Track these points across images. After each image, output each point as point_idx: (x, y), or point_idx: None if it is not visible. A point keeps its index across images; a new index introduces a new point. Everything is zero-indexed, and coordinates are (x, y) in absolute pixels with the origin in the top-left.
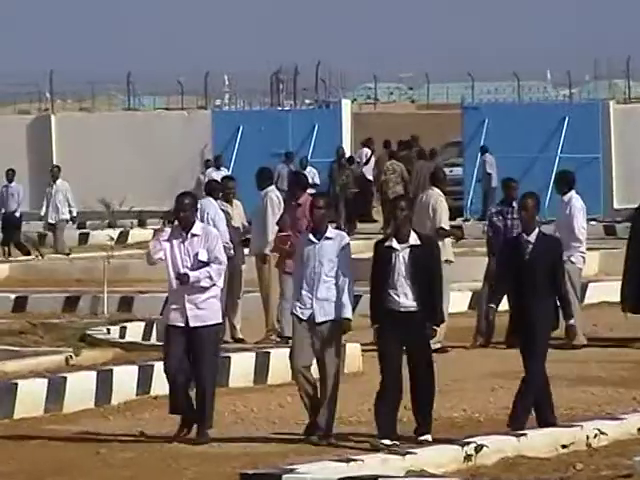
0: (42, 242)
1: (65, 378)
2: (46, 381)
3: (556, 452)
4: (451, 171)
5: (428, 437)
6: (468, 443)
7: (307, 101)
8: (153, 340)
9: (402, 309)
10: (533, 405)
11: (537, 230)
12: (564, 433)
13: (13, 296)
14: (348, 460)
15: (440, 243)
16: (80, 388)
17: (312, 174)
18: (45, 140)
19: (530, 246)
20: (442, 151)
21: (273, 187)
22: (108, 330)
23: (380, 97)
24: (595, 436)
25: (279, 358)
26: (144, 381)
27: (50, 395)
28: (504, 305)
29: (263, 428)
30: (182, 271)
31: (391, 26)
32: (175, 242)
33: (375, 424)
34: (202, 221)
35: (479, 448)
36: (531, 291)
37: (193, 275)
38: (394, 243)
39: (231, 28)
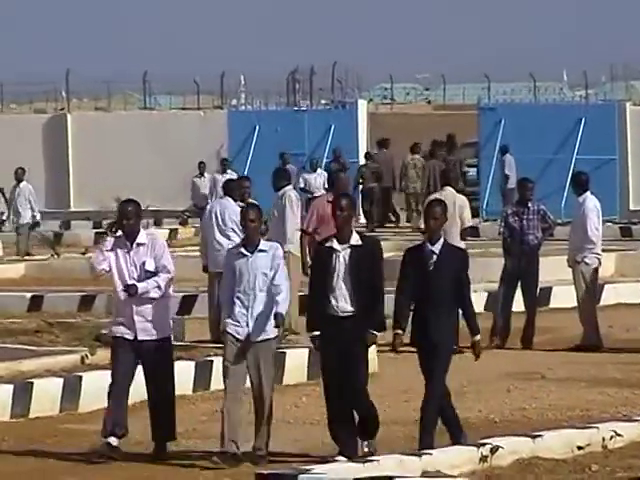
0: (58, 241)
1: (80, 377)
2: (62, 380)
3: (572, 453)
4: (467, 172)
5: (367, 446)
6: (484, 444)
7: (323, 101)
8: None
9: (341, 314)
10: (440, 421)
11: (442, 240)
12: (580, 434)
13: (29, 295)
14: (364, 460)
15: (462, 243)
16: (95, 387)
17: (323, 177)
18: (61, 139)
19: (434, 257)
20: (458, 152)
21: (291, 187)
22: None
23: (396, 97)
24: (611, 438)
25: (295, 358)
26: None
27: (65, 394)
28: (521, 307)
29: (278, 428)
30: (129, 282)
31: (407, 26)
32: (120, 252)
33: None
34: (221, 221)
35: (495, 449)
36: (435, 305)
37: (141, 286)
38: (335, 244)
39: (247, 28)
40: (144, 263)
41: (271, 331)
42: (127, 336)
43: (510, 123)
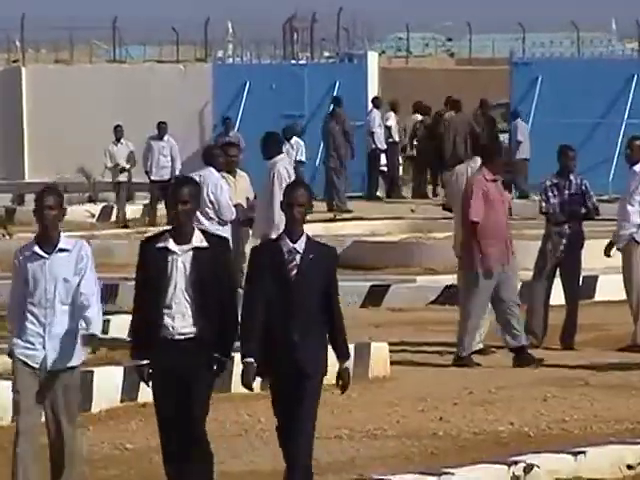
0: (10, 218)
1: None
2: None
3: (620, 473)
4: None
5: None
6: (516, 462)
7: (326, 54)
8: None
9: (177, 336)
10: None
11: (305, 235)
12: (629, 451)
13: None
14: None
15: None
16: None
17: (298, 147)
18: (14, 97)
19: (297, 257)
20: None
21: (283, 156)
22: None
23: (413, 49)
24: None
25: None
26: (130, 386)
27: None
28: (560, 299)
29: (271, 442)
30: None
31: None
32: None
33: None
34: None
35: (529, 468)
36: (299, 321)
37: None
38: (171, 244)
39: None
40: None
41: (77, 356)
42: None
43: (548, 81)
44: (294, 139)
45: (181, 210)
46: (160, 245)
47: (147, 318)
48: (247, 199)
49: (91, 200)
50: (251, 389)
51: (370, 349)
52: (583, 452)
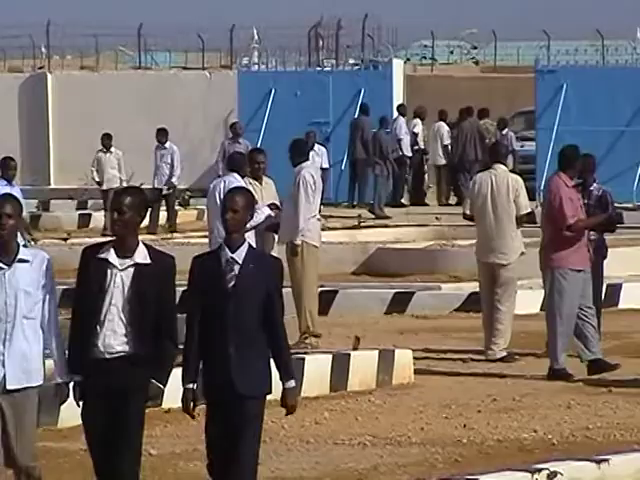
0: (35, 224)
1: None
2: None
3: None
4: (522, 146)
5: None
6: (539, 470)
7: (351, 61)
8: None
9: (107, 355)
10: None
11: (247, 244)
12: None
13: None
14: None
15: (518, 232)
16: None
17: (320, 154)
18: (40, 103)
19: (236, 267)
20: (510, 122)
21: (309, 163)
22: None
23: (438, 57)
24: None
25: (315, 366)
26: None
27: (43, 408)
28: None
29: (295, 448)
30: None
31: None
32: None
33: None
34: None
35: (552, 476)
36: (238, 338)
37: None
38: (112, 256)
39: None
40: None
41: (37, 375)
42: None
43: (573, 89)
44: (316, 146)
45: (117, 219)
46: (101, 256)
47: (81, 332)
48: (273, 206)
49: None
50: (191, 416)
51: (394, 356)
52: (606, 460)
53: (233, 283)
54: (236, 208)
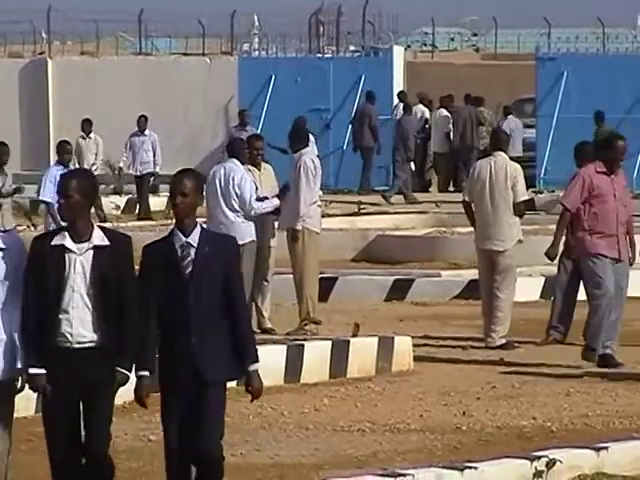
0: (35, 210)
1: None
2: None
3: None
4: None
5: None
6: (538, 457)
7: (352, 47)
8: None
9: (77, 345)
10: None
11: (200, 228)
12: None
13: None
14: (396, 474)
15: (516, 219)
16: None
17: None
18: (40, 89)
19: (192, 251)
20: (511, 109)
21: (309, 149)
22: None
23: (439, 44)
24: None
25: (315, 352)
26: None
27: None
28: (583, 294)
29: (294, 435)
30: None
31: None
32: None
33: None
34: (226, 189)
35: (551, 463)
36: (197, 324)
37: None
38: (68, 242)
39: None
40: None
41: (9, 367)
42: None
43: (574, 76)
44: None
45: (64, 203)
46: (56, 243)
47: (40, 323)
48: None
49: (116, 192)
50: (145, 406)
51: (394, 343)
52: (605, 447)
53: (190, 269)
54: (185, 192)
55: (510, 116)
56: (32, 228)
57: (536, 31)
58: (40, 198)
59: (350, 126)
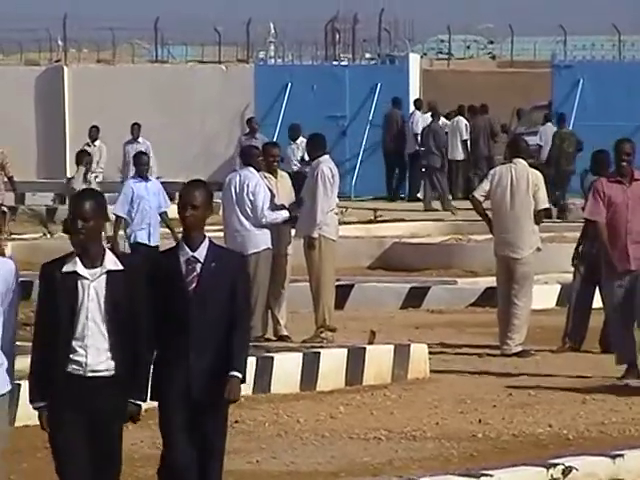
0: (51, 217)
1: None
2: None
3: None
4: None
5: None
6: (554, 465)
7: (368, 55)
8: None
9: (90, 374)
10: None
11: (208, 242)
12: None
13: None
14: None
15: (535, 227)
16: None
17: (302, 148)
18: (56, 97)
19: (198, 266)
20: (527, 116)
21: (327, 157)
22: None
23: (455, 52)
24: None
25: (331, 360)
26: None
27: None
28: (598, 302)
29: (311, 442)
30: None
31: None
32: None
33: None
34: (241, 194)
35: (567, 471)
36: (200, 344)
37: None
38: (80, 268)
39: None
40: None
41: (3, 382)
42: None
43: (590, 84)
44: (300, 139)
45: (82, 226)
46: (67, 270)
47: (51, 355)
48: (292, 205)
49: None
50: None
51: (410, 350)
52: (621, 455)
53: (195, 284)
54: (196, 204)
55: (549, 123)
56: (48, 236)
57: (552, 39)
58: (115, 213)
59: (366, 132)
